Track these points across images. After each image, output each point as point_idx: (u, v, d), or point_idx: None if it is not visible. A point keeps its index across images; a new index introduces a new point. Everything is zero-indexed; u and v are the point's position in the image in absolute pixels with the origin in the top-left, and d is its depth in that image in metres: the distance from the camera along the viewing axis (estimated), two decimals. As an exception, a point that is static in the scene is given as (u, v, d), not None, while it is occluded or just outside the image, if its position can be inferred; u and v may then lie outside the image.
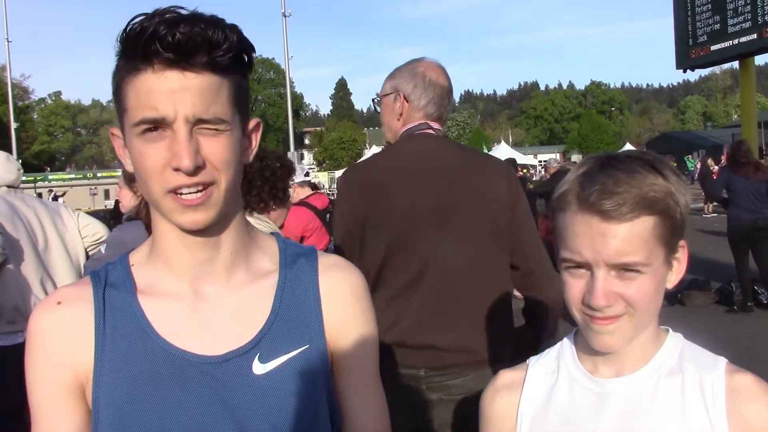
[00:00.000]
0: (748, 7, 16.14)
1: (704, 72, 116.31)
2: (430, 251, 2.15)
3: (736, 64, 18.37)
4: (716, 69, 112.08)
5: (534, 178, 18.71)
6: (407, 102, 2.35)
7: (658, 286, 1.02)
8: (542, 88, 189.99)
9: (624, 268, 0.98)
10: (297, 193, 5.18)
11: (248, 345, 1.08)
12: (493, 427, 1.20)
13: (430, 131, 2.37)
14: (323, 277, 1.17)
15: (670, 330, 1.12)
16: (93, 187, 48.11)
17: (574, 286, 1.01)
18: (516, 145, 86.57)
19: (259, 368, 1.07)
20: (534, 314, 2.36)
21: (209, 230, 1.06)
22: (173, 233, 1.06)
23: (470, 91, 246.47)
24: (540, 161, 56.46)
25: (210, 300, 1.10)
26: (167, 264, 1.10)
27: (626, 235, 0.96)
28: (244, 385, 1.06)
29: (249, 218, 2.60)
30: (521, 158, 37.97)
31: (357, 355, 1.17)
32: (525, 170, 23.22)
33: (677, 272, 1.07)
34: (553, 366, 1.16)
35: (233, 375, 1.06)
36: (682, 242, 1.06)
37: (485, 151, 36.81)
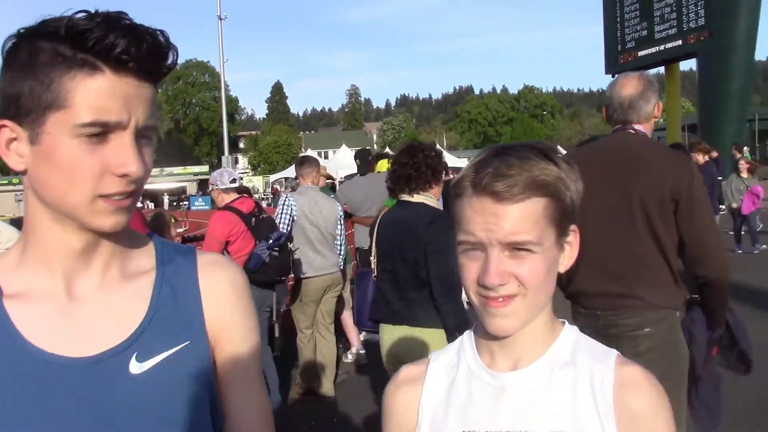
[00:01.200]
0: (674, 14, 16.58)
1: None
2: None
3: (662, 69, 18.83)
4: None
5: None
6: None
7: (549, 267, 1.04)
8: (477, 92, 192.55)
9: (516, 248, 1.01)
10: (222, 198, 5.01)
11: (124, 344, 1.04)
12: (395, 422, 1.20)
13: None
14: (203, 273, 1.15)
15: (566, 322, 1.15)
16: (18, 194, 46.57)
17: (470, 268, 1.04)
18: (450, 148, 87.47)
19: (136, 367, 1.03)
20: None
21: None
22: (58, 234, 1.02)
23: (406, 95, 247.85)
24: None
25: (84, 300, 1.06)
26: (43, 265, 1.05)
27: (518, 215, 1.00)
28: (121, 386, 1.02)
29: (418, 195, 3.35)
30: (456, 161, 38.23)
31: (239, 352, 1.16)
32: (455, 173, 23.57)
33: (569, 256, 1.09)
34: (454, 360, 1.17)
35: (108, 376, 1.02)
36: (573, 227, 1.08)
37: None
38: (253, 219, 4.84)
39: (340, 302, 6.55)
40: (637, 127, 2.86)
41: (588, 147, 3.37)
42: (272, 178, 49.95)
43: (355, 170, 7.88)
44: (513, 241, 1.00)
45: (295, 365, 5.93)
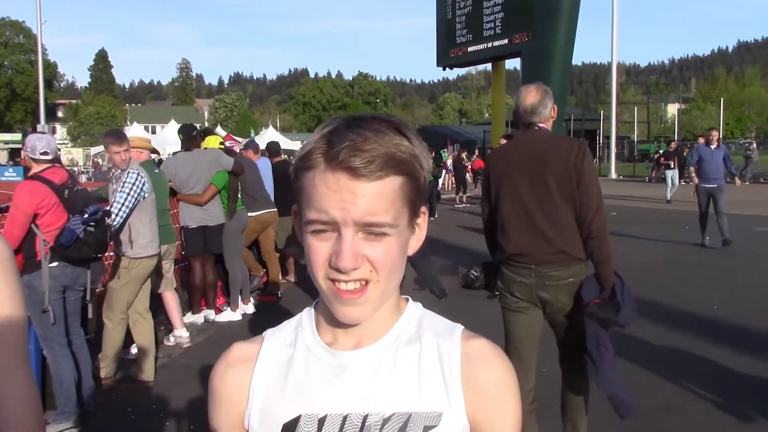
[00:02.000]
0: (502, 14, 17.34)
1: (462, 71, 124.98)
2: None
3: (489, 66, 19.66)
4: (472, 69, 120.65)
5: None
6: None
7: (402, 250, 1.00)
8: (312, 75, 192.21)
9: (371, 230, 0.95)
10: (33, 168, 4.59)
11: None
12: (224, 405, 1.10)
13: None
14: None
15: (410, 299, 1.11)
16: None
17: (320, 249, 0.96)
18: (284, 130, 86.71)
19: None
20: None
21: None
22: None
23: (240, 73, 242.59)
24: (307, 148, 56.90)
25: None
26: None
27: (375, 194, 0.93)
28: None
29: None
30: (289, 144, 37.99)
31: (3, 336, 1.08)
32: (287, 156, 23.33)
33: (417, 238, 1.05)
34: (291, 338, 1.10)
35: None
36: (423, 208, 1.04)
37: (252, 134, 36.39)
38: (66, 191, 4.47)
39: (163, 282, 6.30)
40: (540, 125, 3.63)
41: (511, 142, 4.11)
42: (93, 150, 46.93)
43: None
44: (370, 222, 0.93)
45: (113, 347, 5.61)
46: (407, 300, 1.10)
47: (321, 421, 1.01)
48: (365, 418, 1.00)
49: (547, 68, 16.35)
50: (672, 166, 22.41)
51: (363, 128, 0.94)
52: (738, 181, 16.37)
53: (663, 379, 5.25)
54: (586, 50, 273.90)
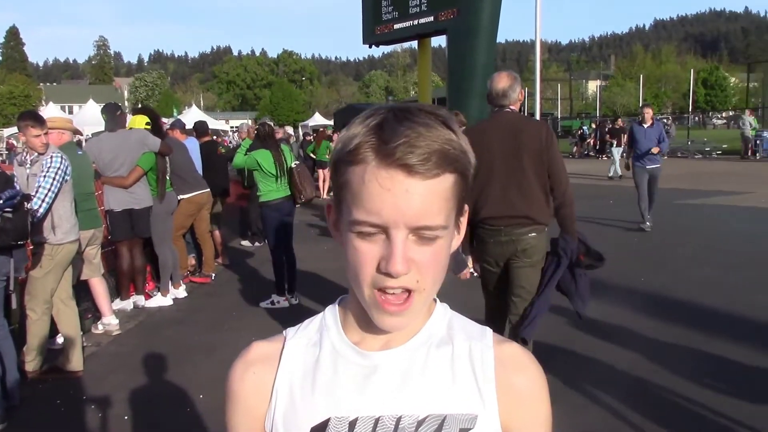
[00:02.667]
0: (427, -9, 17.32)
1: (387, 49, 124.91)
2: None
3: (415, 43, 19.70)
4: (398, 47, 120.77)
5: (230, 144, 18.45)
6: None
7: (449, 251, 0.95)
8: (235, 53, 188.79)
9: (423, 234, 0.89)
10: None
11: None
12: (243, 407, 1.04)
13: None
14: None
15: (437, 299, 1.05)
16: None
17: (369, 252, 0.89)
18: (208, 109, 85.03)
19: None
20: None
21: None
22: None
23: (161, 51, 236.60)
24: (232, 127, 56.02)
25: None
26: None
27: (430, 193, 0.87)
28: None
29: None
30: (213, 123, 37.22)
31: None
32: (216, 136, 22.81)
33: (459, 238, 0.99)
34: (315, 338, 1.03)
35: None
36: (466, 206, 0.99)
37: (175, 114, 35.50)
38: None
39: (90, 268, 6.08)
40: (510, 107, 4.22)
41: (485, 121, 4.53)
42: (7, 132, 44.85)
43: (102, 127, 7.25)
44: (423, 225, 0.87)
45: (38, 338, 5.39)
46: (435, 300, 1.05)
47: (352, 424, 0.96)
48: (398, 420, 0.95)
49: (473, 45, 16.46)
50: (616, 144, 22.19)
51: (414, 122, 0.88)
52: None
53: (598, 352, 5.40)
54: (509, 28, 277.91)
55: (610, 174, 21.39)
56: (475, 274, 4.49)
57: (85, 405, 4.68)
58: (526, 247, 4.17)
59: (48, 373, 5.16)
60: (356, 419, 0.96)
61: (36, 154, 4.98)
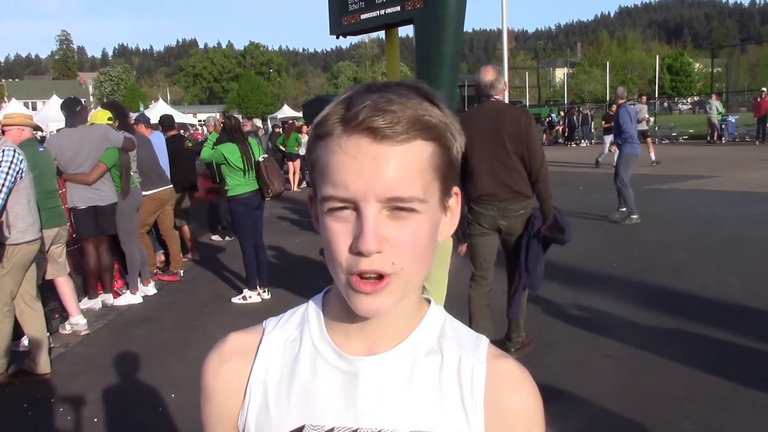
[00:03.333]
0: (394, -20, 17.24)
1: (355, 39, 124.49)
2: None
3: (383, 34, 19.64)
4: (365, 37, 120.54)
5: (200, 138, 18.18)
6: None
7: (432, 234, 0.86)
8: (201, 46, 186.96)
9: (397, 206, 0.80)
10: None
11: None
12: (215, 403, 0.97)
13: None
14: None
15: (432, 300, 0.98)
16: None
17: (341, 232, 0.81)
18: (174, 103, 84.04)
19: None
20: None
21: None
22: None
23: (125, 45, 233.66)
24: (199, 120, 55.51)
25: None
26: None
27: (401, 160, 0.79)
28: None
29: None
30: (180, 117, 36.78)
31: None
32: (184, 130, 22.40)
33: (450, 223, 0.91)
34: (295, 334, 0.96)
35: None
36: (456, 189, 0.90)
37: (141, 108, 35.01)
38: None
39: (55, 268, 5.94)
40: (496, 97, 4.86)
41: (473, 109, 5.25)
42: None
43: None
44: (395, 196, 0.79)
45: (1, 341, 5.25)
46: (429, 302, 0.97)
47: None
48: None
49: (440, 35, 16.42)
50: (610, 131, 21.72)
51: (386, 91, 0.81)
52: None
53: (570, 338, 5.42)
54: (476, 17, 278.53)
55: (600, 160, 20.50)
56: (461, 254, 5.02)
57: (53, 408, 4.57)
58: (514, 214, 4.80)
59: (14, 376, 5.03)
60: (332, 429, 0.90)
61: None
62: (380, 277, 0.81)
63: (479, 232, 4.88)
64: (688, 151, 25.10)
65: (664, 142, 30.91)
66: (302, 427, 0.90)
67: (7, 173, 4.68)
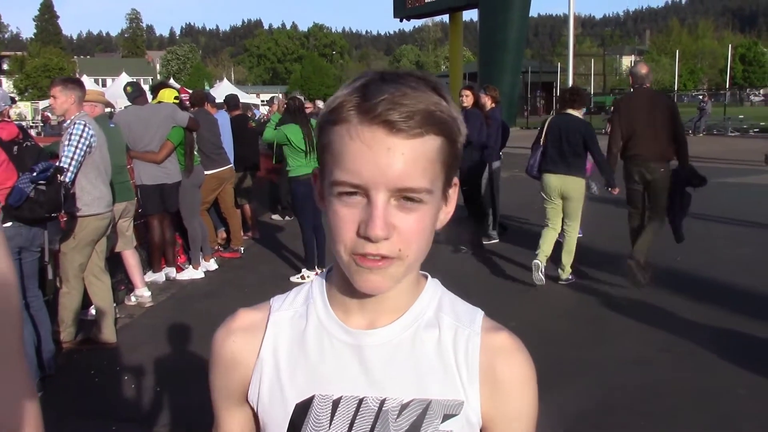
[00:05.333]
0: (460, -37, 17.08)
1: (418, 23, 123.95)
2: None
3: (446, 18, 19.47)
4: (429, 21, 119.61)
5: (257, 117, 18.44)
6: None
7: (433, 222, 0.91)
8: (266, 27, 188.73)
9: (406, 196, 0.85)
10: (-19, 122, 4.35)
11: None
12: (222, 375, 1.05)
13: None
14: None
15: (429, 276, 1.03)
16: None
17: (349, 216, 0.86)
18: (239, 83, 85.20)
19: None
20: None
21: None
22: None
23: (192, 24, 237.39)
24: (262, 100, 56.19)
25: None
26: None
27: (413, 153, 0.84)
28: None
29: (573, 111, 6.83)
30: (244, 97, 37.29)
31: None
32: (248, 110, 22.80)
33: (447, 212, 0.95)
34: (301, 310, 1.02)
35: None
36: (455, 179, 0.95)
37: (206, 87, 35.57)
38: (16, 147, 4.24)
39: (123, 241, 6.14)
40: (647, 85, 6.59)
41: (631, 94, 6.90)
42: (42, 104, 45.44)
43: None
44: (405, 186, 0.84)
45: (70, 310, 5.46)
46: (426, 277, 1.02)
47: (335, 404, 0.95)
48: (382, 402, 0.94)
49: (505, 20, 16.26)
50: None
51: (400, 83, 0.85)
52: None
53: (631, 331, 5.34)
54: (542, 2, 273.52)
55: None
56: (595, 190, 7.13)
57: (118, 375, 4.75)
58: (656, 175, 6.32)
59: (82, 343, 5.24)
60: (340, 398, 0.95)
61: (67, 121, 5.00)
62: (383, 257, 0.86)
63: (632, 183, 6.49)
64: (760, 144, 24.23)
65: (733, 134, 29.94)
66: (312, 397, 0.96)
67: (77, 146, 4.85)
